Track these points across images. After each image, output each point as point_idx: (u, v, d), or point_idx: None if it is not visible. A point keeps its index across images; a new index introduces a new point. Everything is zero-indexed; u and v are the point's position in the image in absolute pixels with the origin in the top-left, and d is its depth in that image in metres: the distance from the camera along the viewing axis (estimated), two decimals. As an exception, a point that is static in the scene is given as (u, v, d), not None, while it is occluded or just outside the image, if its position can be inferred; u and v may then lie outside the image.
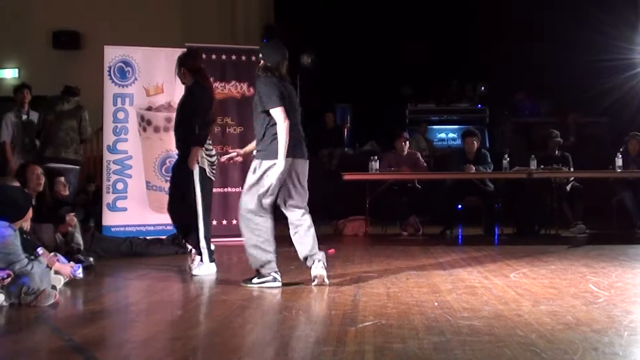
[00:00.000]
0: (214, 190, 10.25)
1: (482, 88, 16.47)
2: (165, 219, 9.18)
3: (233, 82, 10.42)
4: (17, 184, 7.05)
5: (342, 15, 16.34)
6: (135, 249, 8.59)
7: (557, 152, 11.25)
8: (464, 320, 4.66)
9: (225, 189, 10.32)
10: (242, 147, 10.22)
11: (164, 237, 9.04)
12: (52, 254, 6.55)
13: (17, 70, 16.43)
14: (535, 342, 4.07)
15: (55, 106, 9.98)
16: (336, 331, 4.46)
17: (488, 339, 4.17)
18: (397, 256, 8.27)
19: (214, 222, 10.24)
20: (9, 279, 5.42)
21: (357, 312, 5.02)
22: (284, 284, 6.19)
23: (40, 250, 6.27)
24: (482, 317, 4.77)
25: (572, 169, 11.04)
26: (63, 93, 10.18)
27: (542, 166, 10.76)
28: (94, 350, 4.03)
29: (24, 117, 10.09)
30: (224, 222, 10.31)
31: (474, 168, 10.81)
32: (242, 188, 10.12)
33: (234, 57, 10.53)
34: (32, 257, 5.88)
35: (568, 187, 11.10)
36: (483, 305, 5.23)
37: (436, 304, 5.29)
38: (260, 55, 6.36)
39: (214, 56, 10.45)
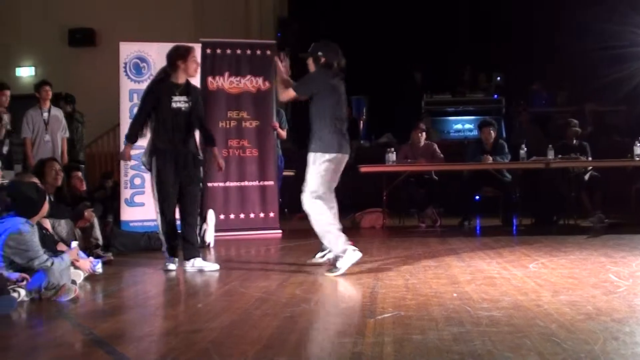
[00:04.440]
0: (232, 184, 10.33)
1: (498, 78, 16.38)
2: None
3: (248, 77, 10.43)
4: (34, 179, 7.08)
5: (356, 7, 16.28)
6: (153, 244, 8.60)
7: (574, 141, 11.18)
8: (484, 311, 4.65)
9: (243, 183, 10.33)
10: (258, 141, 10.38)
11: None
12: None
13: (33, 68, 16.52)
14: (555, 333, 4.05)
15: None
16: (355, 323, 4.46)
17: (508, 329, 4.16)
18: (415, 248, 8.27)
19: (232, 216, 10.30)
20: (24, 282, 5.44)
21: (376, 303, 5.02)
22: (301, 276, 6.23)
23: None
24: (501, 308, 4.75)
25: (590, 158, 10.97)
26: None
27: (560, 156, 10.70)
28: (114, 344, 4.04)
29: (45, 114, 10.14)
30: (242, 215, 10.32)
31: (491, 159, 10.77)
32: (259, 182, 10.32)
33: (248, 52, 10.53)
34: (50, 252, 5.92)
35: (586, 177, 11.05)
36: (502, 295, 5.21)
37: (455, 295, 5.28)
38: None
39: (228, 51, 10.46)
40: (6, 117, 9.81)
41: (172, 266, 6.98)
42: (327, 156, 6.59)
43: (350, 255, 6.37)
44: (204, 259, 7.22)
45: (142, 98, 7.24)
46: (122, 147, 7.58)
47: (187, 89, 7.18)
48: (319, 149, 6.64)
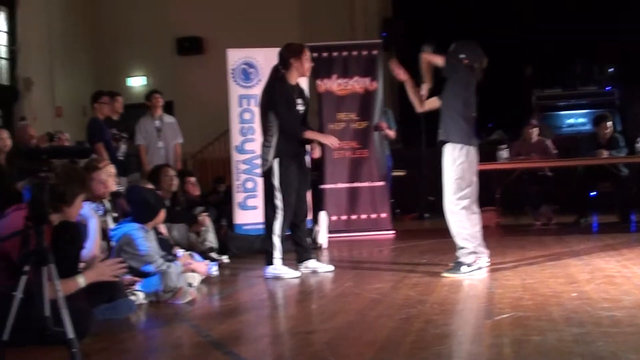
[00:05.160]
0: (343, 185, 10.38)
1: (611, 70, 15.91)
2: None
3: (355, 78, 10.46)
4: (150, 186, 7.26)
5: (462, 2, 16.11)
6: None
7: (694, 133, 10.74)
8: (605, 311, 4.50)
9: (353, 184, 10.37)
10: (367, 141, 10.37)
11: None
12: (187, 253, 6.74)
13: (145, 78, 16.98)
14: (682, 333, 3.90)
15: None
16: (472, 324, 4.41)
17: (631, 330, 4.02)
18: (531, 247, 8.10)
19: (343, 217, 10.35)
20: (135, 286, 5.58)
21: (493, 304, 4.94)
22: (415, 277, 6.20)
23: (180, 252, 6.47)
24: (623, 308, 4.60)
25: None
26: None
27: (679, 148, 10.29)
28: (231, 346, 4.10)
29: (157, 121, 10.38)
30: (353, 217, 10.36)
31: (606, 153, 10.44)
32: (370, 183, 10.33)
33: (355, 53, 10.56)
34: (170, 256, 6.06)
35: None
36: (623, 295, 5.04)
37: (574, 294, 5.14)
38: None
39: (335, 53, 10.53)
40: (123, 147, 10.10)
41: (294, 273, 6.81)
42: (466, 149, 6.39)
43: (475, 272, 6.24)
44: (318, 260, 7.24)
45: (279, 97, 6.83)
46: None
47: (300, 90, 7.07)
48: (459, 139, 6.41)
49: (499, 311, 4.65)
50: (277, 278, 6.67)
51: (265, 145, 6.89)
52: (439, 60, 6.52)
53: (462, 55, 6.46)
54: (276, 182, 6.78)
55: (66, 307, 3.60)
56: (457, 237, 6.38)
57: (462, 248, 6.32)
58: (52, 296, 3.64)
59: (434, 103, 6.68)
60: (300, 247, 7.04)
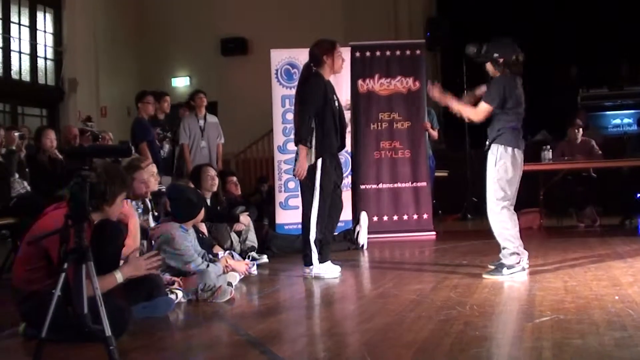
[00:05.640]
0: (384, 185, 10.35)
1: (658, 69, 15.69)
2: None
3: (399, 78, 10.42)
4: (191, 185, 7.30)
5: (507, 1, 15.97)
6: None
7: None
8: (647, 314, 4.43)
9: (395, 185, 10.34)
10: (410, 142, 10.32)
11: (336, 233, 9.10)
12: (227, 252, 6.75)
13: (188, 78, 17.09)
14: None
15: None
16: (512, 327, 4.36)
17: (675, 334, 3.95)
18: (574, 248, 8.00)
19: (385, 218, 10.32)
20: (175, 285, 5.61)
21: (534, 307, 4.88)
22: (455, 279, 6.16)
23: (220, 253, 6.50)
24: (667, 311, 4.52)
25: None
26: None
27: None
28: (269, 345, 4.09)
29: (201, 121, 10.43)
30: (395, 217, 10.33)
31: (652, 154, 10.29)
32: (412, 183, 10.27)
33: (398, 53, 10.53)
34: (211, 255, 6.08)
35: None
36: (668, 298, 4.96)
37: (617, 297, 5.06)
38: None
39: (378, 53, 10.50)
40: (167, 147, 10.19)
41: (334, 273, 6.75)
42: (510, 151, 6.26)
43: (516, 273, 6.16)
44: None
45: (309, 90, 6.72)
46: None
47: (332, 87, 6.92)
48: (505, 141, 6.27)
49: (540, 314, 4.59)
50: (316, 278, 6.65)
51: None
52: (486, 109, 6.38)
53: (496, 55, 6.34)
54: (317, 181, 6.72)
55: (104, 305, 3.62)
56: (499, 237, 6.31)
57: (504, 249, 6.26)
58: (91, 293, 3.67)
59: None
60: (328, 246, 6.91)
